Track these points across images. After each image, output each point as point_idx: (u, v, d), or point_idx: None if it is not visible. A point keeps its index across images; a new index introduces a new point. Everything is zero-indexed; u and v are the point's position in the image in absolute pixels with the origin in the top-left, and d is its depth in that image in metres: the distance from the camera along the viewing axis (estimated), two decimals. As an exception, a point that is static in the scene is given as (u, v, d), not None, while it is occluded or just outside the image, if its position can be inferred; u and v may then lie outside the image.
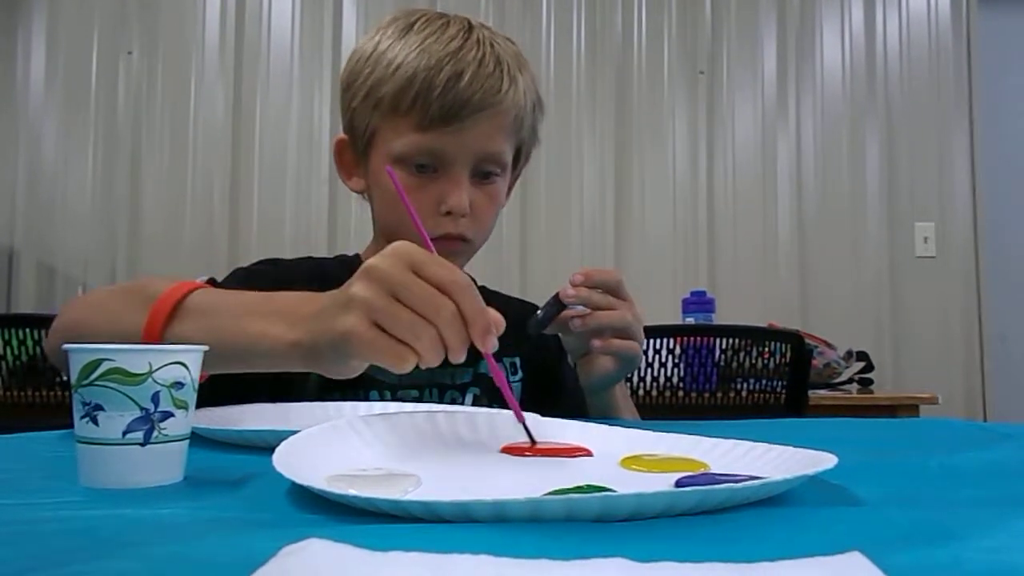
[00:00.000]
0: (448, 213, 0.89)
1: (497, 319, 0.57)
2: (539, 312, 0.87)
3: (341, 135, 0.97)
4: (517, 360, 1.02)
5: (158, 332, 0.65)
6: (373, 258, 0.57)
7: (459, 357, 0.55)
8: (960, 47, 3.23)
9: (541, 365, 1.05)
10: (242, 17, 3.02)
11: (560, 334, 0.91)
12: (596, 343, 0.87)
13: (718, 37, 3.20)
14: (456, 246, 0.91)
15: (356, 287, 0.56)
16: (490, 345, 0.57)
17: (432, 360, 0.55)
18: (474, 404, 0.95)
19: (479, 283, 1.07)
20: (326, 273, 0.88)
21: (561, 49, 3.14)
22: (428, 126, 0.87)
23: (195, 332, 0.64)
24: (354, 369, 0.61)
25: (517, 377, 1.02)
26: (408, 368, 0.55)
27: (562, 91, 3.12)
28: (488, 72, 0.89)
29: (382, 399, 0.89)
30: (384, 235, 0.96)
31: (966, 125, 3.19)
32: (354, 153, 0.96)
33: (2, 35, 2.96)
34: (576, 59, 3.14)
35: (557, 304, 0.86)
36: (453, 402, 0.94)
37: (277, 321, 0.63)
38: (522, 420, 0.61)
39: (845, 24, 3.23)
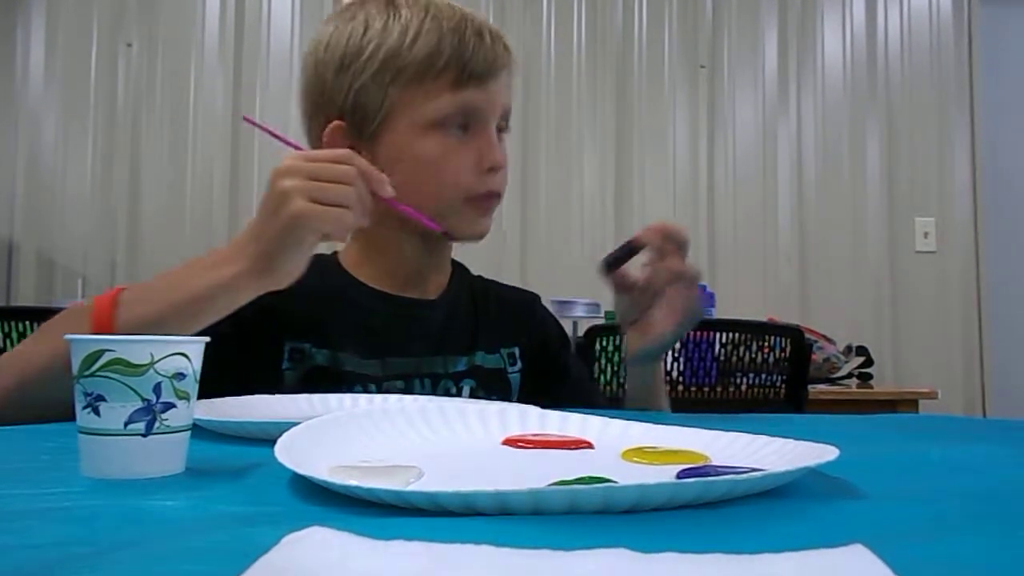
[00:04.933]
0: (491, 169, 0.90)
1: (384, 176, 0.74)
2: (611, 253, 0.87)
3: (336, 122, 0.91)
4: (516, 350, 1.01)
5: (109, 325, 0.69)
6: (278, 166, 0.70)
7: (368, 208, 0.72)
8: (961, 42, 3.22)
9: (542, 355, 1.04)
10: (242, 8, 3.02)
11: (616, 293, 0.90)
12: (664, 270, 0.84)
13: (719, 32, 3.19)
14: (496, 202, 0.93)
15: (281, 183, 0.69)
16: (387, 191, 0.73)
17: (360, 215, 0.71)
18: (471, 396, 0.94)
19: (475, 273, 1.07)
20: None
21: (562, 44, 3.14)
22: (464, 84, 0.88)
23: (145, 313, 0.70)
24: (306, 259, 0.72)
25: (516, 368, 1.01)
26: (349, 224, 0.70)
27: (563, 86, 3.12)
28: (496, 32, 0.93)
29: (366, 392, 0.88)
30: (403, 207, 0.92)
31: (967, 120, 3.19)
32: (356, 136, 0.90)
33: (2, 28, 2.96)
34: (577, 54, 3.14)
35: (630, 248, 0.87)
36: (447, 392, 0.93)
37: (218, 266, 0.72)
38: (428, 223, 0.80)
39: (846, 19, 3.23)
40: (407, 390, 0.91)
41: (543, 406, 0.77)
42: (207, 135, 2.96)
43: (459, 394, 0.94)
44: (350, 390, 0.87)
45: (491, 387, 0.97)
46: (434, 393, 0.92)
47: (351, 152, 0.73)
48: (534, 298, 1.10)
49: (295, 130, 0.95)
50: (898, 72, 3.21)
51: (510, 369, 1.00)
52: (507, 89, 0.94)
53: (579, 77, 3.13)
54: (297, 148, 0.77)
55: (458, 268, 1.04)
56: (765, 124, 3.18)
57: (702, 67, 3.17)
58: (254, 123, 0.84)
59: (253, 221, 0.72)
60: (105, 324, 0.69)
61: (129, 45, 2.97)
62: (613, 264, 0.87)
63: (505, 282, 1.12)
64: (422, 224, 0.81)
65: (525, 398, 0.99)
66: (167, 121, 2.97)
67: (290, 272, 0.72)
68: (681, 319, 0.87)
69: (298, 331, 0.89)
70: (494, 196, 0.92)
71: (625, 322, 0.91)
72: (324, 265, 0.96)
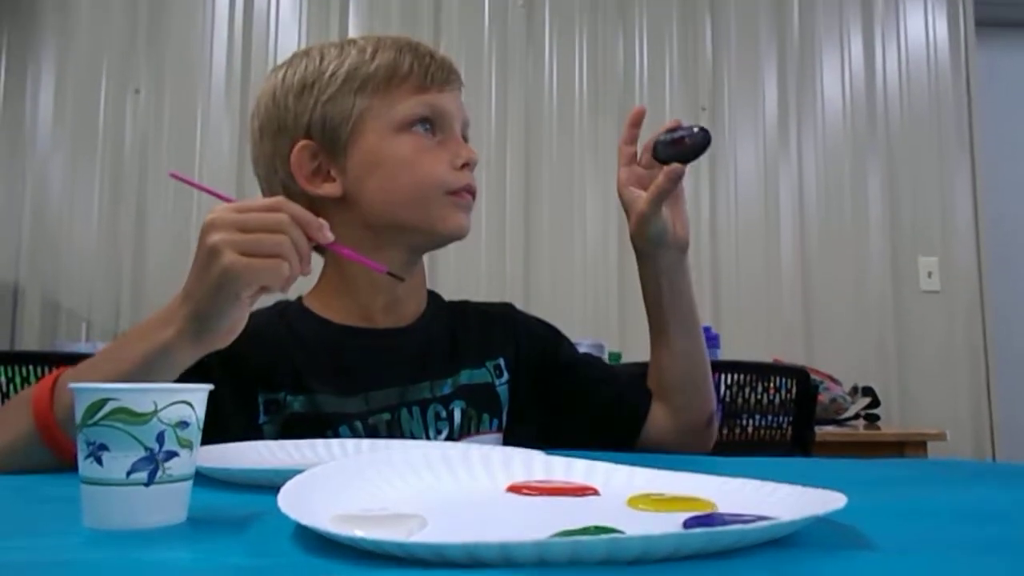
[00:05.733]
0: (465, 165, 0.93)
1: (323, 220, 0.69)
2: (664, 141, 0.93)
3: (303, 141, 0.90)
4: (502, 361, 1.00)
5: (48, 410, 0.67)
6: (208, 217, 0.67)
7: (306, 256, 0.67)
8: (959, 82, 3.25)
9: (536, 359, 1.02)
10: (248, 54, 3.06)
11: (653, 211, 0.93)
12: None
13: (719, 73, 3.23)
14: (472, 200, 0.94)
15: (210, 238, 0.66)
16: (326, 236, 0.69)
17: (295, 263, 0.66)
18: (462, 418, 0.93)
19: (458, 298, 1.07)
20: (258, 323, 0.77)
21: (564, 86, 3.17)
22: (428, 88, 0.92)
23: None
24: (244, 314, 0.69)
25: (503, 379, 0.99)
26: (285, 275, 0.65)
27: (565, 127, 3.15)
28: (447, 56, 0.97)
29: (352, 431, 0.87)
30: (385, 216, 0.91)
31: (967, 159, 3.21)
32: (326, 154, 0.91)
33: (13, 74, 3.00)
34: (579, 96, 3.17)
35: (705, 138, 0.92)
36: (438, 416, 0.92)
37: (153, 331, 0.69)
38: (373, 265, 0.77)
39: (845, 60, 3.27)
40: (394, 421, 0.89)
41: (570, 407, 0.79)
42: (213, 180, 2.99)
43: (450, 417, 0.92)
44: (335, 432, 0.86)
45: (481, 405, 0.95)
46: (424, 420, 0.91)
47: (283, 199, 0.69)
48: (508, 306, 1.09)
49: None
50: (897, 112, 3.24)
51: (497, 382, 0.98)
52: (462, 106, 0.97)
53: (581, 118, 3.16)
54: (227, 200, 0.72)
55: (432, 296, 1.03)
56: (766, 165, 3.20)
57: (703, 108, 3.20)
58: (181, 178, 0.80)
59: (187, 279, 0.69)
60: (44, 411, 0.67)
61: (137, 91, 3.01)
62: (667, 153, 0.93)
63: None
64: (367, 267, 0.79)
65: (513, 407, 0.98)
66: (174, 166, 3.00)
67: (229, 329, 0.69)
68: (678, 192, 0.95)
69: (270, 382, 0.87)
70: (471, 192, 0.94)
71: (663, 233, 0.94)
72: (289, 311, 0.96)
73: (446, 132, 0.93)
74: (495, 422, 0.96)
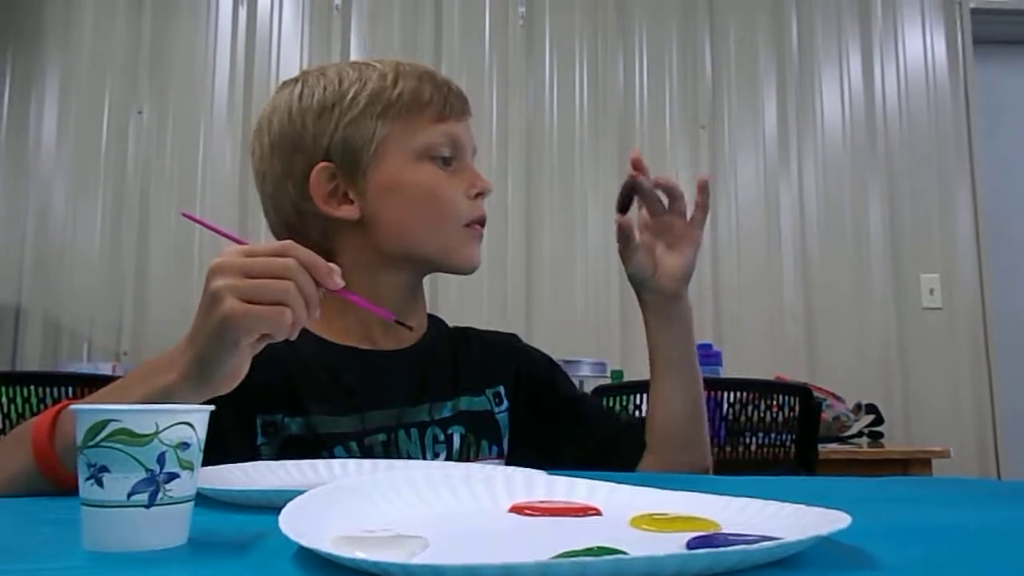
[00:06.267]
0: (479, 195, 0.95)
1: (333, 266, 0.67)
2: (619, 199, 0.94)
3: (322, 163, 0.90)
4: (501, 389, 1.00)
5: (48, 444, 0.66)
6: (214, 260, 0.65)
7: (314, 303, 0.65)
8: (958, 98, 3.27)
9: (532, 387, 1.02)
10: (251, 75, 3.08)
11: (628, 254, 0.95)
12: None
13: (719, 92, 3.25)
14: (482, 228, 0.96)
15: (213, 284, 0.64)
16: (336, 282, 0.66)
17: (301, 310, 0.64)
18: (461, 443, 0.92)
19: (453, 325, 1.07)
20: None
21: (564, 106, 3.19)
22: (447, 116, 0.94)
23: None
24: (245, 361, 0.67)
25: (503, 407, 0.99)
26: (288, 323, 0.63)
27: (565, 147, 3.16)
28: (458, 86, 0.98)
29: (348, 452, 0.86)
30: (400, 243, 0.92)
31: (967, 175, 3.21)
32: (344, 176, 0.90)
33: (16, 94, 3.02)
34: (579, 115, 3.19)
35: (630, 184, 0.93)
36: (436, 440, 0.91)
37: (155, 375, 0.68)
38: (380, 312, 0.77)
39: (844, 78, 3.28)
40: (391, 443, 0.89)
41: (564, 443, 0.77)
42: (215, 200, 3.00)
43: (449, 442, 0.92)
44: (331, 453, 0.85)
45: (481, 431, 0.95)
46: (422, 442, 0.90)
47: (291, 244, 0.66)
48: (512, 336, 1.10)
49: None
50: (897, 130, 3.25)
51: (497, 410, 0.98)
52: (472, 135, 0.99)
53: (582, 137, 3.17)
54: (238, 242, 0.70)
55: (433, 320, 1.04)
56: (766, 183, 3.21)
57: (702, 127, 3.21)
58: (193, 219, 0.78)
59: (193, 323, 0.67)
60: (43, 446, 0.66)
61: (140, 112, 3.03)
62: (622, 203, 0.94)
63: None
64: (374, 313, 0.79)
65: (514, 434, 0.98)
66: (176, 186, 3.01)
67: (229, 376, 0.67)
68: (696, 235, 0.96)
69: (268, 404, 0.87)
70: (484, 221, 0.96)
71: (645, 273, 0.96)
72: (294, 342, 0.95)
73: (461, 161, 0.95)
74: (495, 448, 0.96)
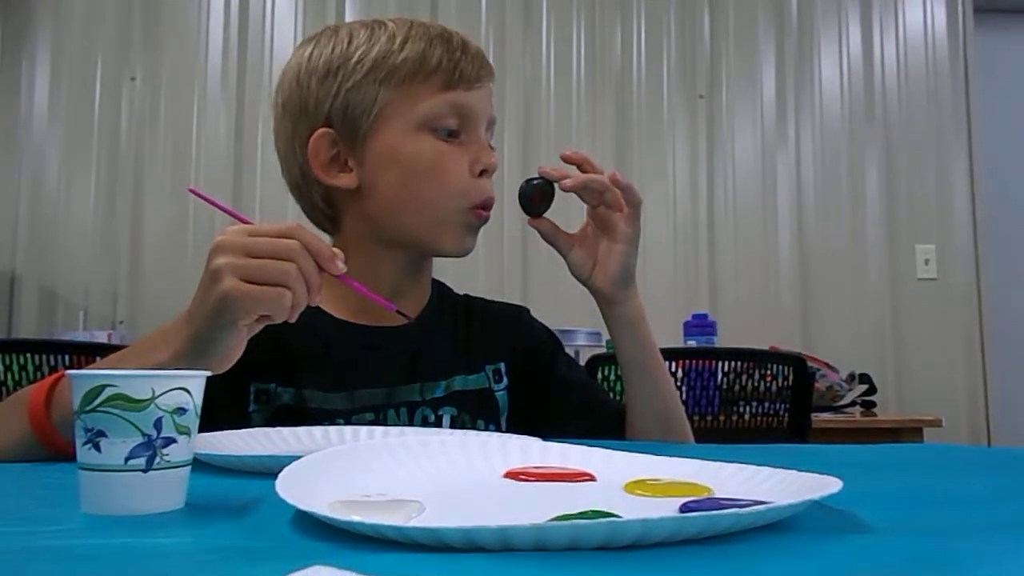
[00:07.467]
0: (483, 172, 0.89)
1: (337, 251, 0.65)
2: (527, 199, 0.90)
3: (322, 129, 0.88)
4: (502, 366, 0.97)
5: (44, 414, 0.66)
6: (217, 238, 0.64)
7: (315, 286, 0.64)
8: (957, 68, 3.25)
9: (532, 365, 1.00)
10: (244, 42, 3.05)
11: (561, 252, 0.93)
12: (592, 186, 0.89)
13: (717, 61, 3.22)
14: (488, 213, 0.91)
15: (214, 261, 0.63)
16: (338, 267, 0.65)
17: (302, 293, 0.63)
18: (452, 424, 0.91)
19: (464, 293, 1.05)
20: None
21: (561, 74, 3.17)
22: (455, 84, 0.88)
23: None
24: (241, 341, 0.66)
25: (502, 385, 0.97)
26: (288, 305, 0.62)
27: (562, 115, 3.14)
28: (480, 48, 0.93)
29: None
30: (392, 219, 0.88)
31: (964, 146, 3.21)
32: (345, 143, 0.88)
33: (7, 63, 2.99)
34: (576, 83, 3.17)
35: (525, 186, 0.90)
36: (425, 420, 0.90)
37: (153, 350, 0.67)
38: (383, 303, 0.74)
39: (843, 47, 3.26)
40: (379, 422, 0.87)
41: (548, 428, 0.75)
42: (210, 168, 2.98)
43: (438, 423, 0.90)
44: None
45: (476, 411, 0.93)
46: (411, 423, 0.88)
47: (297, 225, 0.65)
48: (521, 310, 1.06)
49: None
50: (895, 99, 3.24)
51: (496, 387, 0.96)
52: (491, 102, 0.93)
53: (578, 106, 3.15)
54: (243, 221, 0.69)
55: (438, 288, 1.01)
56: (764, 152, 3.19)
57: (700, 96, 3.19)
58: (199, 195, 0.77)
59: (192, 299, 0.66)
60: (39, 414, 0.66)
61: (133, 79, 3.00)
62: (533, 208, 0.91)
63: None
64: (377, 303, 0.75)
65: (522, 418, 0.96)
66: (170, 154, 2.99)
67: (225, 357, 0.66)
68: (631, 225, 0.91)
69: (262, 371, 0.86)
70: (490, 204, 0.91)
71: (583, 272, 0.93)
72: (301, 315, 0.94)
73: (469, 133, 0.90)
74: (491, 427, 0.93)
